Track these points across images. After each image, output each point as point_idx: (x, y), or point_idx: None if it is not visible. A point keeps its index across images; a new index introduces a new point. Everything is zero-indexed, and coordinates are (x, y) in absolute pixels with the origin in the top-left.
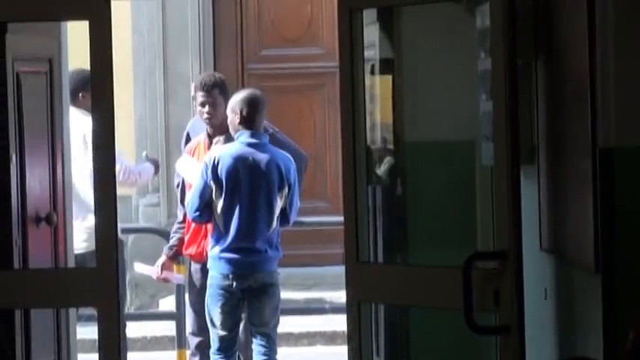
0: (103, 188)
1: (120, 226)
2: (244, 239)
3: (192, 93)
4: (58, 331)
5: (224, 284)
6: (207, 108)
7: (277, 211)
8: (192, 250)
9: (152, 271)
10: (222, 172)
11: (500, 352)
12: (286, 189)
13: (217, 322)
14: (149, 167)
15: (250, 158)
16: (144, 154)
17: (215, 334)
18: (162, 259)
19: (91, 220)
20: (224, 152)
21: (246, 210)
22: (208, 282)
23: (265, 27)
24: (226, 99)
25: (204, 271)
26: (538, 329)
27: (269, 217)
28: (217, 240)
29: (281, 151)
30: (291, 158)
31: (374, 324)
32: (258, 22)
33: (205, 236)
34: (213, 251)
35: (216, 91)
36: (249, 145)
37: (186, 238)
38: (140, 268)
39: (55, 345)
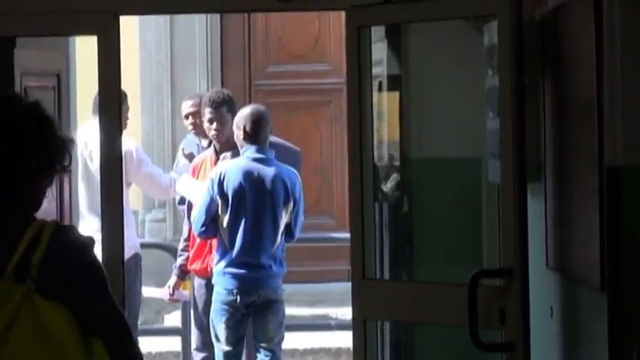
0: (109, 203)
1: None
2: (249, 254)
3: (185, 111)
4: None
5: (228, 299)
6: (214, 125)
7: (282, 227)
8: (196, 265)
9: (163, 293)
10: (228, 186)
11: None
12: (291, 204)
13: (222, 338)
14: (186, 166)
15: (256, 173)
16: (181, 148)
17: (219, 349)
18: (173, 279)
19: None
20: (230, 167)
21: (251, 225)
22: (213, 297)
23: (273, 43)
24: (234, 115)
25: (209, 287)
26: (543, 347)
27: (274, 233)
28: (222, 255)
29: (287, 166)
30: (297, 173)
31: (379, 341)
32: (265, 39)
33: (210, 252)
34: (218, 266)
35: (224, 108)
36: (255, 160)
37: (191, 254)
38: (149, 292)
39: None
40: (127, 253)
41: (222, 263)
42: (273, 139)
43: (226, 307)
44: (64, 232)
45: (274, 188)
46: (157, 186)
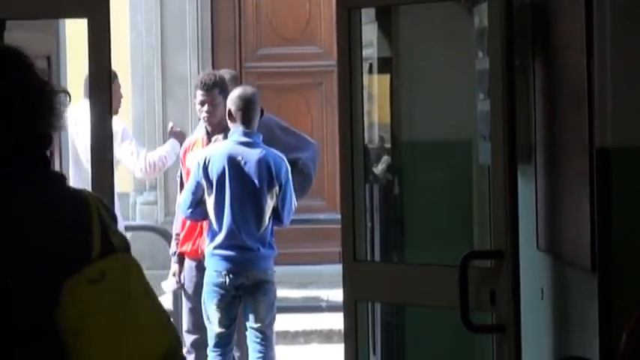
0: (99, 185)
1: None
2: (235, 237)
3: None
4: None
5: (218, 281)
6: (206, 107)
7: (268, 210)
8: (187, 247)
9: (172, 284)
10: (212, 170)
11: (497, 351)
12: (277, 188)
13: (213, 319)
14: (174, 146)
15: (239, 157)
16: (170, 125)
17: (211, 330)
18: (175, 267)
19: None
20: (215, 151)
21: (235, 208)
22: (205, 279)
23: (263, 26)
24: (226, 98)
25: (199, 269)
26: (534, 329)
27: (258, 216)
28: (212, 237)
29: (273, 150)
30: (283, 157)
31: (370, 322)
32: (256, 21)
33: (200, 234)
34: (209, 248)
35: (216, 91)
36: (241, 143)
37: (182, 235)
38: (168, 286)
39: None
40: None
41: (212, 245)
42: (294, 129)
43: (217, 288)
44: (105, 204)
45: (257, 172)
46: (134, 164)
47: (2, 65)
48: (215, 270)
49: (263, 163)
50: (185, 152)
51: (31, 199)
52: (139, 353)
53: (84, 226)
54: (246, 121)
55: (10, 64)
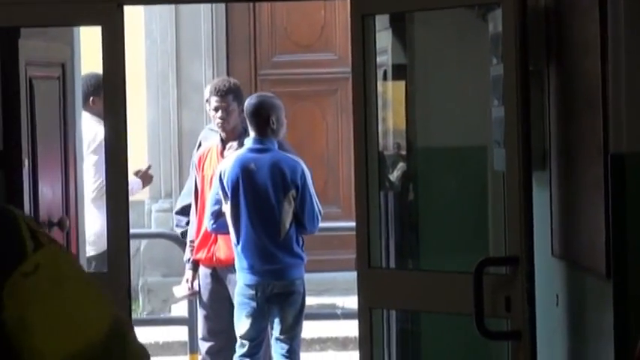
0: (115, 193)
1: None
2: (256, 247)
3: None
4: None
5: (245, 293)
6: (220, 113)
7: (286, 216)
8: (202, 254)
9: (184, 289)
10: (227, 182)
11: (512, 357)
12: (293, 191)
13: (242, 330)
14: (137, 185)
15: (251, 165)
16: (147, 166)
17: (240, 342)
18: (189, 273)
19: (91, 223)
20: (229, 162)
21: (252, 217)
22: (235, 290)
23: (278, 33)
24: (240, 104)
25: (214, 276)
26: (549, 335)
27: (275, 223)
28: (235, 250)
29: (287, 154)
30: (299, 161)
31: (385, 329)
32: (271, 28)
33: (215, 241)
34: (235, 261)
35: (230, 97)
36: (253, 150)
37: (196, 243)
38: (176, 292)
39: None
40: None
41: (236, 258)
42: (285, 145)
43: (245, 300)
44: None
45: (269, 177)
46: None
47: None
48: (242, 281)
49: (275, 168)
50: (200, 159)
51: None
52: (79, 335)
53: (14, 231)
54: (258, 128)
55: None
